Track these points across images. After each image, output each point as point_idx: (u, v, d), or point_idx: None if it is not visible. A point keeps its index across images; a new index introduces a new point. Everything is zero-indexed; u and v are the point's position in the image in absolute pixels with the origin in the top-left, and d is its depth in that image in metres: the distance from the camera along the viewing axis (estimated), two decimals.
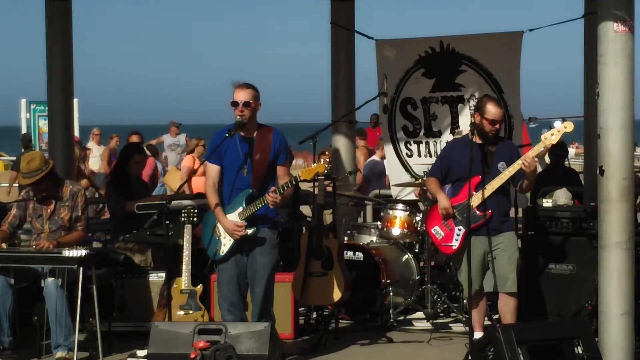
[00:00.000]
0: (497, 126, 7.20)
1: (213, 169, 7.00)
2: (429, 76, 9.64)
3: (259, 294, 6.93)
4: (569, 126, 7.01)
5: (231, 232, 6.87)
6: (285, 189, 6.78)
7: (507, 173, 7.12)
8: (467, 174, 7.00)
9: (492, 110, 7.17)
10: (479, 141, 7.22)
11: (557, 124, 7.27)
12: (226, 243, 6.93)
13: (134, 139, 12.34)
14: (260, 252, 6.92)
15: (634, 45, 6.64)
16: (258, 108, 6.93)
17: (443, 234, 7.38)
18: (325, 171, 7.02)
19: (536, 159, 7.20)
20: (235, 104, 6.86)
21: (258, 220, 6.90)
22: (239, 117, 6.85)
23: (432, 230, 7.46)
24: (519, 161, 7.04)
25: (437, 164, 7.58)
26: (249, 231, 6.85)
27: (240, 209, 6.87)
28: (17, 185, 11.98)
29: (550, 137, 7.02)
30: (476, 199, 7.12)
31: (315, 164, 6.91)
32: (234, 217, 6.89)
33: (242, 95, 6.86)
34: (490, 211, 7.15)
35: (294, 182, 6.85)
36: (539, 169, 10.35)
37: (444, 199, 7.30)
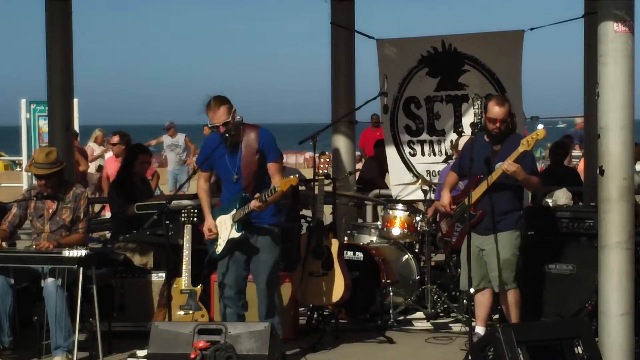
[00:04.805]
0: (498, 124, 7.23)
1: (203, 173, 7.26)
2: (433, 75, 9.65)
3: (264, 291, 7.07)
4: (541, 133, 7.11)
5: (203, 231, 7.16)
6: (268, 196, 6.87)
7: (492, 176, 7.17)
8: (473, 172, 7.09)
9: (492, 109, 7.24)
10: (488, 140, 7.33)
11: (540, 126, 7.42)
12: (221, 243, 7.09)
13: (114, 139, 12.41)
14: (262, 250, 7.06)
15: (634, 45, 6.64)
16: (236, 117, 6.99)
17: (447, 229, 7.79)
18: (298, 184, 7.26)
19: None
20: (215, 127, 6.95)
21: (257, 219, 7.02)
22: (225, 136, 6.93)
23: (441, 223, 7.90)
24: (502, 165, 7.09)
25: (457, 159, 7.89)
26: (238, 234, 7.01)
27: (234, 211, 7.03)
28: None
29: (525, 144, 7.08)
30: (471, 198, 7.19)
31: (291, 176, 6.97)
32: (229, 219, 7.03)
33: (218, 117, 6.93)
34: (481, 211, 7.19)
35: (275, 191, 6.90)
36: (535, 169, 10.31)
37: (445, 196, 7.53)
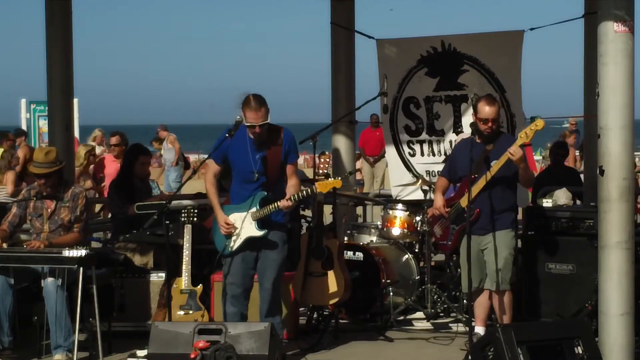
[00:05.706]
0: (490, 124, 7.25)
1: (214, 167, 7.18)
2: (433, 75, 9.63)
3: (268, 289, 7.08)
4: (540, 124, 7.08)
5: (220, 225, 7.07)
6: (300, 197, 6.91)
7: (495, 166, 7.17)
8: (466, 174, 7.12)
9: (482, 109, 7.25)
10: (479, 141, 7.28)
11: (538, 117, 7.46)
12: (237, 240, 7.04)
13: (114, 140, 12.39)
14: (271, 249, 7.08)
15: (634, 45, 6.64)
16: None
17: (441, 232, 7.67)
18: (342, 186, 7.22)
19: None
20: (253, 127, 6.91)
21: (270, 219, 7.03)
22: (257, 136, 6.93)
23: (434, 228, 7.76)
24: (508, 149, 7.06)
25: (447, 163, 7.83)
26: (260, 233, 7.01)
27: (254, 209, 7.00)
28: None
29: (524, 136, 7.09)
30: (465, 199, 7.19)
31: (332, 179, 7.03)
32: (247, 216, 7.01)
33: (259, 118, 6.91)
34: (478, 210, 7.19)
35: (310, 192, 6.93)
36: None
37: (438, 200, 7.54)
